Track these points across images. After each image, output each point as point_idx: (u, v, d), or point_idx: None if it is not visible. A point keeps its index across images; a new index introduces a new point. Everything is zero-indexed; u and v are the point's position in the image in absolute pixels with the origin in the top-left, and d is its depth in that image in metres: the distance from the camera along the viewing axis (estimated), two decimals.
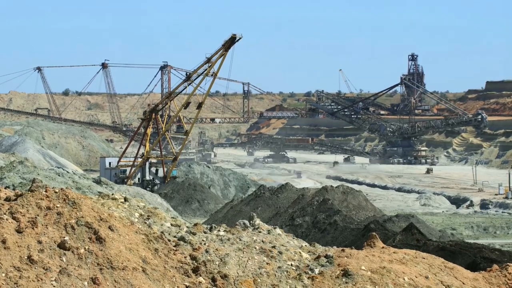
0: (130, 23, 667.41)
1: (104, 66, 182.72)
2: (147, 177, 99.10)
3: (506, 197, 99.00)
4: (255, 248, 15.33)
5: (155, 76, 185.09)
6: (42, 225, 13.16)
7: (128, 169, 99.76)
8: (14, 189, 25.87)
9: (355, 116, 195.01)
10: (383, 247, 16.66)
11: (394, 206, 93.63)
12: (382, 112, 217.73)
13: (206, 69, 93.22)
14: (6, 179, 54.64)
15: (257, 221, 17.25)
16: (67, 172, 62.69)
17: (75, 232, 13.28)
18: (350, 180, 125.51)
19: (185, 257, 14.26)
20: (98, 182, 62.45)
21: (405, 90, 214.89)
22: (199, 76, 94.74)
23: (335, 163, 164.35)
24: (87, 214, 13.69)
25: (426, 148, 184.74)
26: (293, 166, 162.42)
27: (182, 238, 15.12)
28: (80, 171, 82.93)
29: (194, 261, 14.24)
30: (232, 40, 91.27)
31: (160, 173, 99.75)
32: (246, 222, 17.16)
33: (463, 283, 15.68)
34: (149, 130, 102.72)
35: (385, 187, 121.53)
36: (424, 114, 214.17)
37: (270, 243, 15.86)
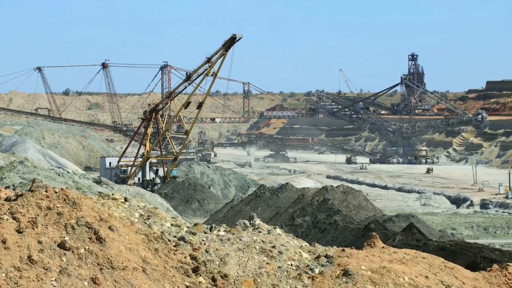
0: (130, 23, 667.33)
1: (104, 66, 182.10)
2: (148, 177, 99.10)
3: (506, 197, 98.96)
4: (255, 248, 15.33)
5: (155, 76, 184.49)
6: (42, 225, 13.16)
7: (128, 169, 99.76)
8: (14, 189, 25.90)
9: (355, 116, 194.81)
10: (383, 247, 16.66)
11: (394, 206, 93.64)
12: (382, 112, 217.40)
13: (206, 69, 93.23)
14: (6, 179, 54.58)
15: (257, 221, 17.25)
16: (67, 172, 62.69)
17: (75, 232, 13.27)
18: (350, 180, 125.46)
19: (185, 257, 14.26)
20: (98, 182, 62.46)
21: (405, 89, 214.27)
22: (199, 76, 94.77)
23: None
24: (87, 214, 13.69)
25: (427, 148, 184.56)
26: (294, 166, 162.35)
27: (182, 238, 15.11)
28: (80, 171, 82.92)
29: (194, 261, 14.24)
30: (232, 40, 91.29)
31: (161, 173, 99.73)
32: (246, 222, 17.15)
33: (463, 283, 15.68)
34: (149, 130, 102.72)
35: (385, 187, 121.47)
36: (424, 114, 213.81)
37: (270, 243, 15.85)
